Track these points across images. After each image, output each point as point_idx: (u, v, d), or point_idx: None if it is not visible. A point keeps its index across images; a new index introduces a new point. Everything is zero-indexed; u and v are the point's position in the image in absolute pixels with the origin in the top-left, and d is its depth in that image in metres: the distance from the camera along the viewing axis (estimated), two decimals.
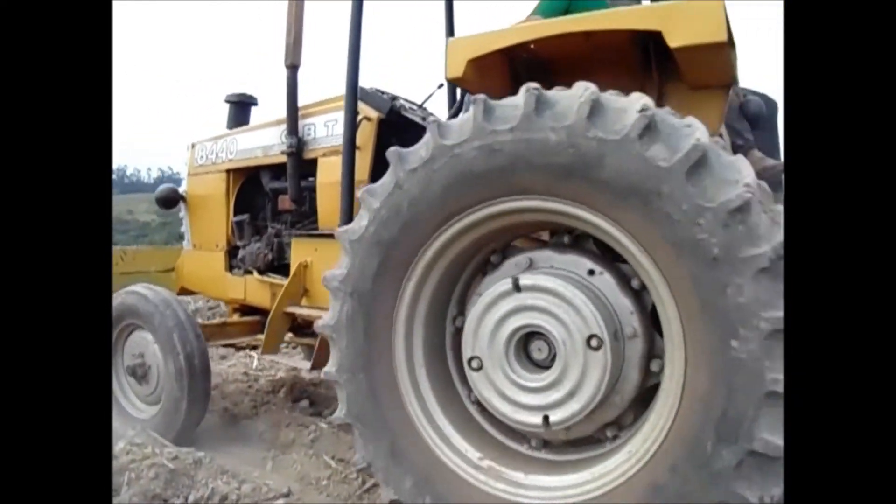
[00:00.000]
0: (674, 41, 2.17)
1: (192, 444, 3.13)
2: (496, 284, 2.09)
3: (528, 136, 1.90)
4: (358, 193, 2.34)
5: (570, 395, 1.95)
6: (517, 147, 1.91)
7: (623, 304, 2.02)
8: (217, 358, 5.17)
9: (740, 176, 1.78)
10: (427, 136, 2.08)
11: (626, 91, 2.15)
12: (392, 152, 2.14)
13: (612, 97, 1.93)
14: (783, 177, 3.50)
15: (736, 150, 3.06)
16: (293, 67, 3.32)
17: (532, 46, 2.45)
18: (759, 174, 3.11)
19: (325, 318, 2.26)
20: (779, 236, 1.69)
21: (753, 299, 1.66)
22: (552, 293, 1.98)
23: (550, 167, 1.88)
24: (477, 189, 2.01)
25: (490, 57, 2.47)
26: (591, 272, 2.08)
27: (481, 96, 2.02)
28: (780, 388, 1.62)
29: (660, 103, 2.40)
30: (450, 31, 3.90)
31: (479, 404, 2.24)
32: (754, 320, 1.66)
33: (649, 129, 1.79)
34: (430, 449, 2.19)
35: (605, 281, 2.05)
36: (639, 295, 2.03)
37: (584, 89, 1.90)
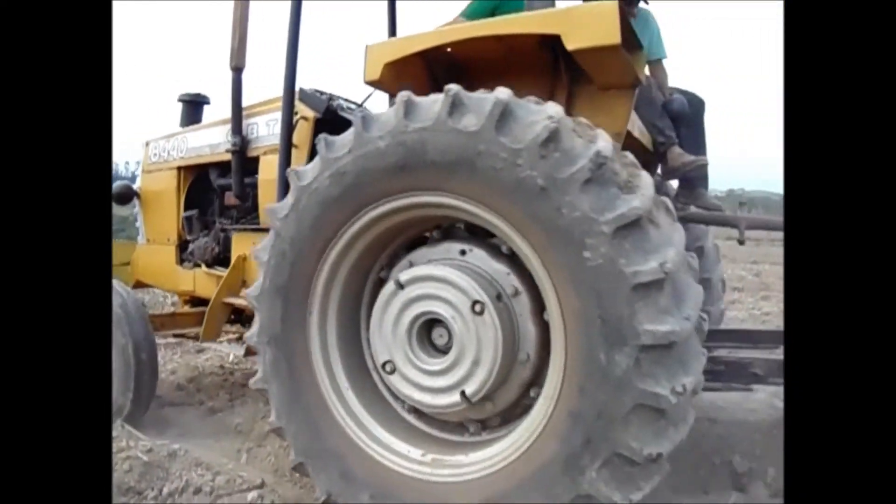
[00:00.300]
0: (571, 44, 2.29)
1: (167, 437, 3.19)
2: (384, 292, 2.27)
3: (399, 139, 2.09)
4: None
5: (476, 363, 2.09)
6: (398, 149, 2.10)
7: (498, 268, 2.19)
8: (193, 351, 5.26)
9: (541, 115, 1.96)
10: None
11: (540, 93, 2.31)
12: (320, 139, 2.28)
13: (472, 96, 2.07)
14: (706, 172, 3.61)
15: (657, 146, 3.26)
16: (237, 69, 3.45)
17: (449, 50, 2.56)
18: (679, 169, 3.32)
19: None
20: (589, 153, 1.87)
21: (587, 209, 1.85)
22: (430, 278, 2.16)
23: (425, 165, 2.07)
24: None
25: (407, 60, 2.57)
26: (463, 252, 2.26)
27: (358, 112, 2.24)
28: (641, 279, 1.79)
29: (570, 104, 2.61)
30: (392, 31, 4.05)
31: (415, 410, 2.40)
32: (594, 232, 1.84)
33: (504, 117, 1.96)
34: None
35: (477, 255, 2.24)
36: (515, 259, 2.17)
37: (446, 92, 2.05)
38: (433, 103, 2.07)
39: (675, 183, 3.72)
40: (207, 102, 4.42)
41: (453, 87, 2.04)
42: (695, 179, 3.56)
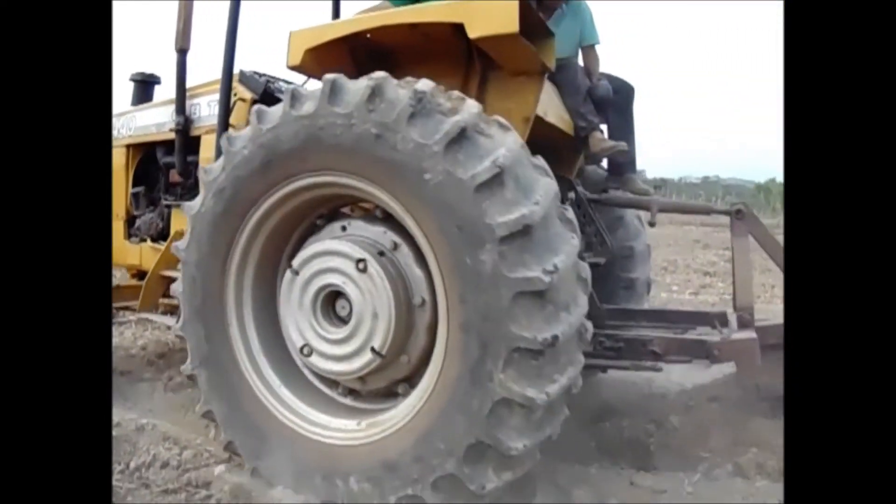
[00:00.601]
0: (473, 32, 2.46)
1: (136, 412, 3.25)
2: (283, 281, 2.49)
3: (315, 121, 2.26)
4: None
5: (375, 317, 2.28)
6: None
7: (375, 230, 2.43)
8: (163, 328, 5.15)
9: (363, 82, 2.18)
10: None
11: (455, 79, 2.59)
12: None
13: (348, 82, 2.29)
14: (631, 157, 3.68)
15: (579, 131, 3.38)
16: (182, 51, 3.60)
17: (368, 36, 2.71)
18: (598, 154, 3.46)
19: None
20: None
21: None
22: (317, 255, 2.40)
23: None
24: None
25: (329, 46, 2.72)
26: (344, 227, 2.52)
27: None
28: (480, 179, 2.00)
29: (482, 90, 2.80)
30: (336, 14, 4.16)
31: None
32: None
33: (334, 92, 2.20)
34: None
35: (356, 225, 2.49)
36: (390, 220, 2.41)
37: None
38: (280, 105, 2.35)
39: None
40: (158, 82, 4.52)
41: (292, 87, 2.34)
42: (623, 165, 3.71)
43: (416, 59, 2.76)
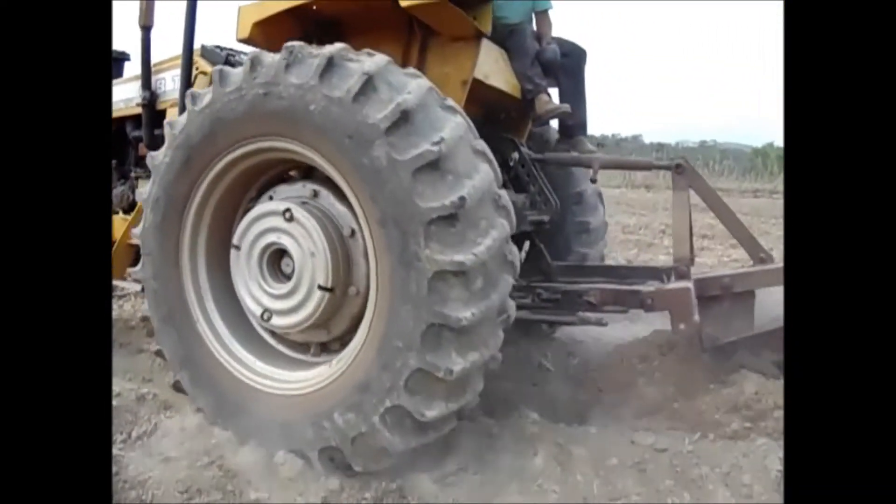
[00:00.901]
0: (404, 1, 2.66)
1: (136, 382, 3.30)
2: (231, 261, 2.70)
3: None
4: None
5: (313, 255, 2.47)
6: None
7: (297, 186, 2.69)
8: None
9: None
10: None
11: (398, 47, 2.86)
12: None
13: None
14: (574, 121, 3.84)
15: (525, 94, 3.50)
16: (146, 28, 3.64)
17: (314, 8, 2.85)
18: (543, 116, 3.58)
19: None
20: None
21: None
22: (249, 224, 2.63)
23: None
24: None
25: (276, 18, 2.87)
26: (271, 197, 2.74)
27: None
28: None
29: (423, 56, 3.03)
30: None
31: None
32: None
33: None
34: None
35: (280, 189, 2.72)
36: (311, 177, 2.68)
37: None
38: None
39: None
40: (128, 59, 4.51)
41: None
42: (573, 127, 3.85)
43: (360, 28, 2.95)
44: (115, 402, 2.96)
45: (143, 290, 2.89)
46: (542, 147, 3.90)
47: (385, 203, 2.21)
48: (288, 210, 2.49)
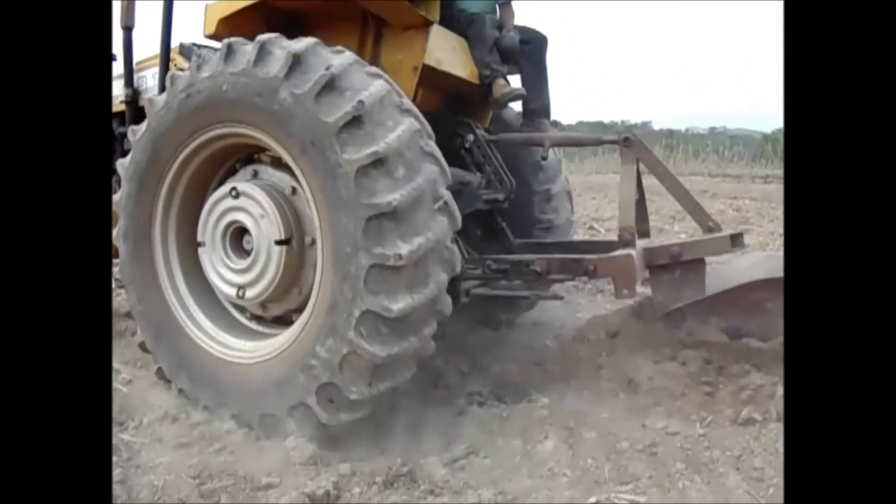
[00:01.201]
0: None
1: (148, 369, 3.29)
2: (200, 258, 2.92)
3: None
4: None
5: (263, 216, 2.69)
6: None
7: (244, 173, 2.94)
8: None
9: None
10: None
11: (355, 37, 3.12)
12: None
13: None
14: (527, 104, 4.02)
15: (483, 79, 3.70)
16: (127, 28, 3.77)
17: (277, 4, 3.05)
18: (499, 100, 3.76)
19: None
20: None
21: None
22: (205, 218, 2.88)
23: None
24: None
25: (241, 14, 3.02)
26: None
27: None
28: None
29: (377, 45, 3.25)
30: None
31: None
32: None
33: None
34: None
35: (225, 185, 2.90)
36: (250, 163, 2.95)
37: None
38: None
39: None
40: (114, 59, 4.54)
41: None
42: (535, 111, 4.00)
43: (319, 22, 3.17)
44: (125, 390, 3.02)
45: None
46: (507, 130, 4.05)
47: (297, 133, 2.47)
48: (233, 188, 2.75)
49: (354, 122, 2.37)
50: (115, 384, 2.99)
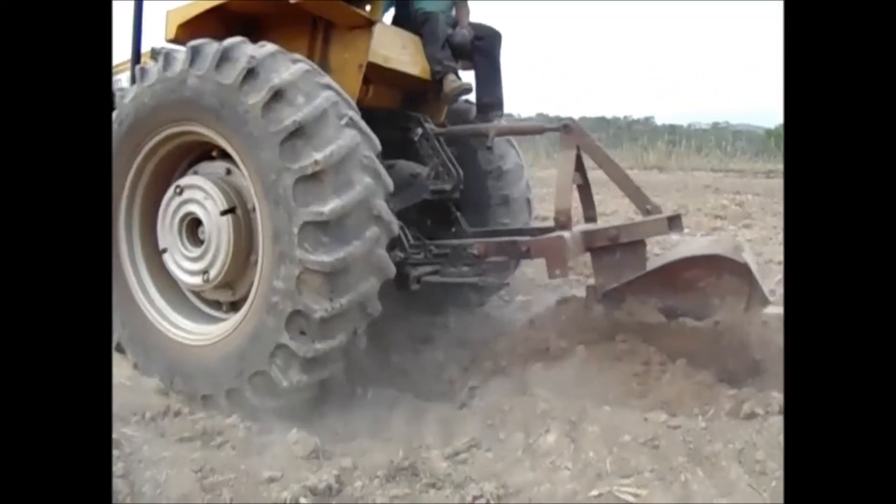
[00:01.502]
0: None
1: None
2: (165, 262, 3.13)
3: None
4: None
5: (206, 196, 2.94)
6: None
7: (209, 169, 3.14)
8: None
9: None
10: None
11: (305, 39, 3.34)
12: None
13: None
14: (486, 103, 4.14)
15: (434, 75, 3.86)
16: None
17: (230, 9, 3.20)
18: (449, 94, 4.00)
19: None
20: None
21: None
22: (162, 224, 3.12)
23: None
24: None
25: (199, 19, 3.18)
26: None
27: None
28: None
29: (326, 44, 3.41)
30: None
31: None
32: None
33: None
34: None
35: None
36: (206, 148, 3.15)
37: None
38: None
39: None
40: None
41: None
42: (488, 105, 4.11)
43: (273, 25, 3.36)
44: (128, 384, 3.03)
45: None
46: (461, 124, 4.17)
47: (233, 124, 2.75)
48: (177, 186, 3.03)
49: (276, 96, 2.62)
50: (119, 378, 3.00)
